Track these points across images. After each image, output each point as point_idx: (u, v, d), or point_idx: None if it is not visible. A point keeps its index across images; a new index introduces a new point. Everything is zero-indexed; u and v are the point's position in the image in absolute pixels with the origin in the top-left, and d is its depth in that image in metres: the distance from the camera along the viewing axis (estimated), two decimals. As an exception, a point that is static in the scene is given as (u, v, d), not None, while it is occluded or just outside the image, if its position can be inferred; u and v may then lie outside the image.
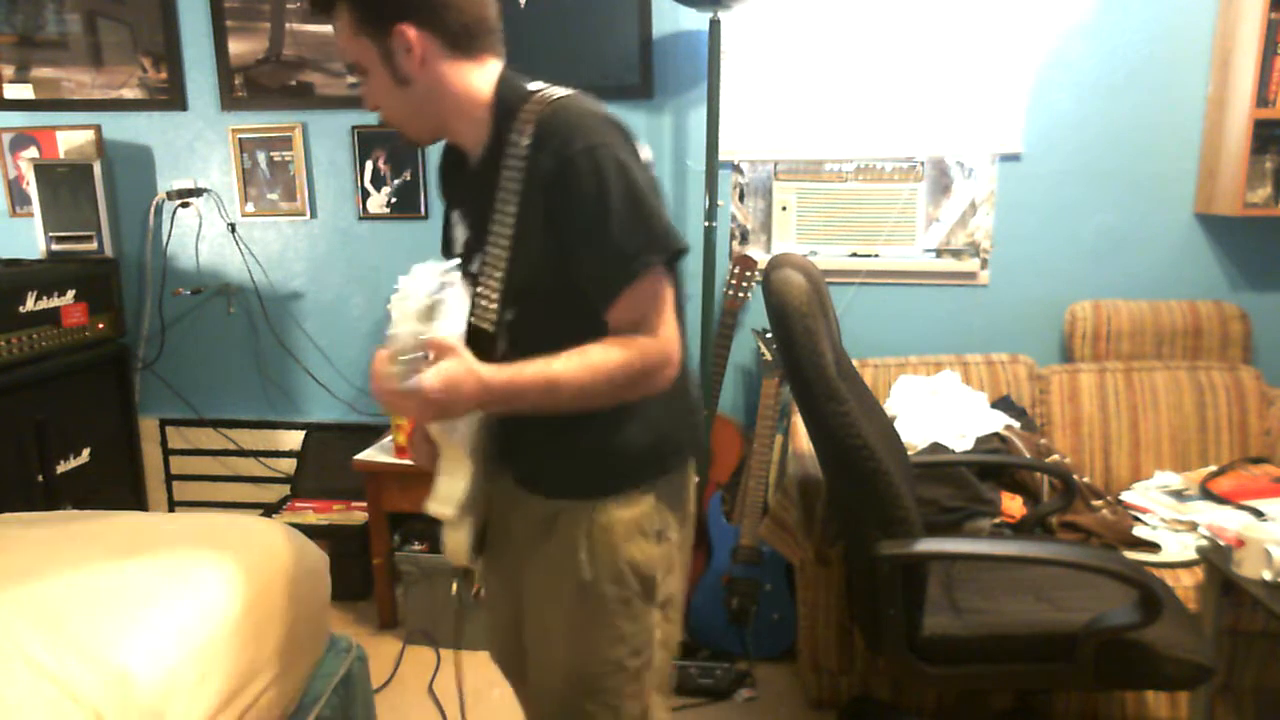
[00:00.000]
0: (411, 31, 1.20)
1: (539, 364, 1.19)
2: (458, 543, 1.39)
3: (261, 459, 3.43)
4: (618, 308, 1.22)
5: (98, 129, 3.30)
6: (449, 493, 1.34)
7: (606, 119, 1.22)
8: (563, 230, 1.20)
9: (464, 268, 1.33)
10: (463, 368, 1.15)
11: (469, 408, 1.19)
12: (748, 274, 2.82)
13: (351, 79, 3.13)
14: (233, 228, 3.30)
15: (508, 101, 1.25)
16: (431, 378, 1.14)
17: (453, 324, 1.23)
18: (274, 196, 3.28)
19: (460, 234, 1.38)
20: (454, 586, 2.67)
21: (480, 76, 1.26)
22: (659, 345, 1.23)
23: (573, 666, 1.37)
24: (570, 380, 1.19)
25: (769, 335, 2.84)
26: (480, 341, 1.28)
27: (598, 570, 1.33)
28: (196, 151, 3.29)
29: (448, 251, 1.51)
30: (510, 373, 1.18)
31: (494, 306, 1.28)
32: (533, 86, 1.27)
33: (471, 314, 1.30)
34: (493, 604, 1.60)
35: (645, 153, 1.26)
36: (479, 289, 1.29)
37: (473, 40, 1.24)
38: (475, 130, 1.28)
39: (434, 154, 3.13)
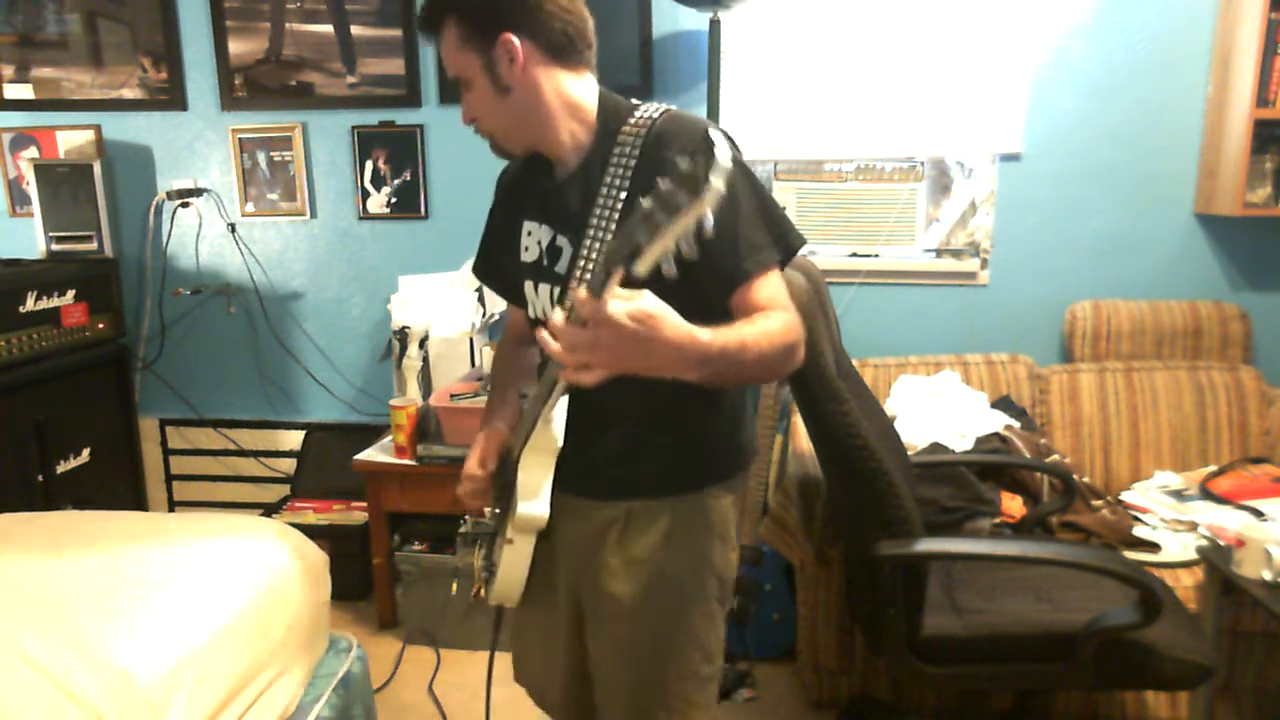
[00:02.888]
0: (515, 40, 1.23)
1: (727, 329, 1.13)
2: (517, 570, 1.35)
3: (261, 459, 3.43)
4: (749, 291, 1.22)
5: (98, 129, 3.30)
6: (538, 488, 1.30)
7: (720, 129, 1.25)
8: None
9: (541, 274, 1.35)
10: (664, 308, 1.03)
11: (665, 355, 1.04)
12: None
13: (346, 81, 3.13)
14: (233, 228, 3.30)
15: (615, 110, 1.30)
16: (628, 308, 1.00)
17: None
18: (274, 196, 3.28)
19: (536, 243, 1.36)
20: (454, 587, 2.67)
21: (579, 87, 1.30)
22: (796, 321, 1.22)
23: (647, 674, 1.36)
24: (755, 347, 1.14)
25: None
26: None
27: (680, 568, 1.34)
28: (196, 151, 3.29)
29: (486, 267, 1.55)
30: (715, 333, 1.09)
31: None
32: (635, 101, 1.32)
33: (561, 304, 1.26)
34: (529, 640, 1.56)
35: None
36: (570, 284, 1.26)
37: (573, 51, 1.28)
38: (575, 138, 1.30)
39: (434, 154, 3.16)
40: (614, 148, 1.25)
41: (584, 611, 1.41)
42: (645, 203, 0.93)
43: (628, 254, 0.95)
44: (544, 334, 1.05)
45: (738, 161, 1.19)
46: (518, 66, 1.25)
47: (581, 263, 1.25)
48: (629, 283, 0.98)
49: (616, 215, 1.23)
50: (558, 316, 1.03)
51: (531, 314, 1.42)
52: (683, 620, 1.35)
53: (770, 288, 1.23)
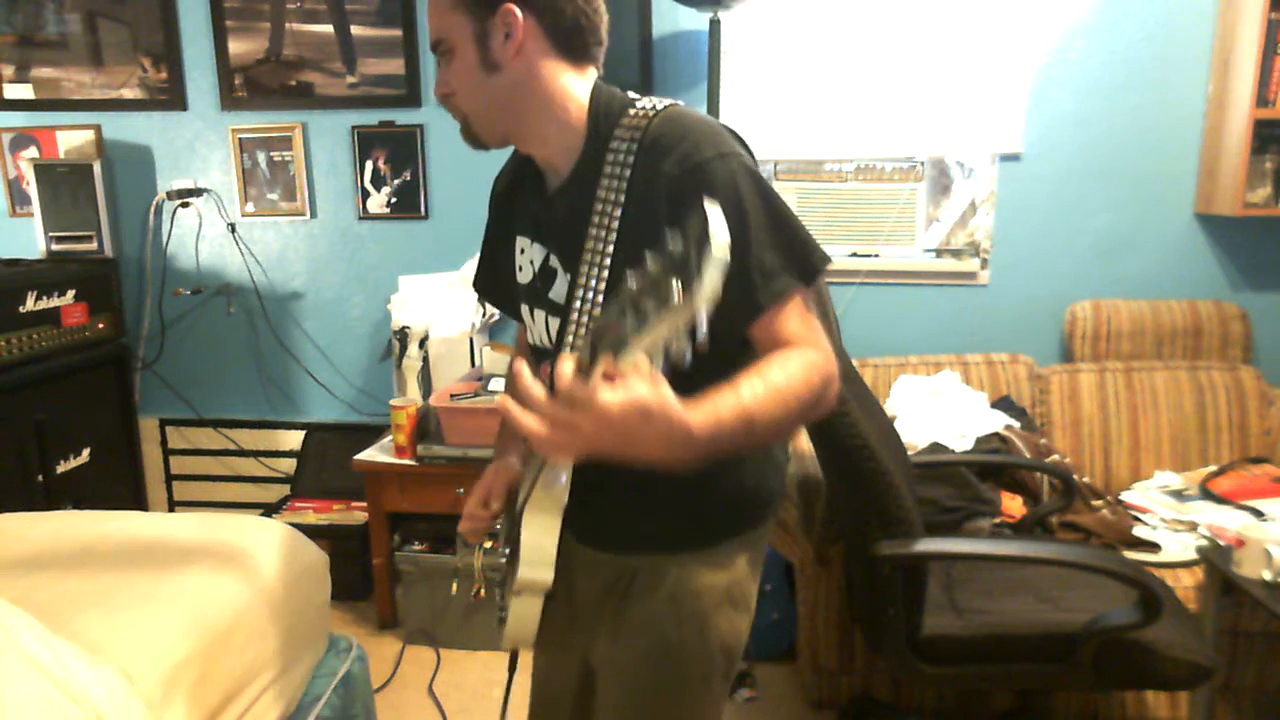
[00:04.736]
0: (519, 15, 1.09)
1: (728, 397, 0.97)
2: (527, 619, 1.22)
3: (261, 459, 3.43)
4: (762, 325, 1.07)
5: (98, 129, 3.30)
6: (541, 553, 1.17)
7: (729, 129, 1.12)
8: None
9: (536, 298, 1.22)
10: (656, 395, 0.89)
11: (650, 446, 0.91)
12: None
13: (346, 81, 3.13)
14: (233, 228, 3.30)
15: (608, 108, 1.14)
16: (615, 395, 0.88)
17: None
18: (274, 196, 3.28)
19: (529, 263, 1.23)
20: (454, 587, 2.67)
21: (578, 83, 1.15)
22: (824, 359, 1.06)
23: None
24: (764, 413, 0.98)
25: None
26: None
27: (682, 638, 1.20)
28: (196, 151, 3.29)
29: (487, 287, 1.41)
30: (710, 412, 0.95)
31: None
32: (632, 95, 1.17)
33: (561, 344, 1.15)
34: (543, 683, 1.44)
35: None
36: (570, 316, 1.13)
37: (581, 45, 1.14)
38: (563, 139, 1.15)
39: (434, 154, 3.17)
40: (607, 154, 1.11)
41: (590, 668, 1.32)
42: (632, 284, 0.83)
43: (613, 342, 0.86)
44: (513, 411, 0.91)
45: (750, 170, 1.08)
46: (513, 44, 1.10)
47: (580, 293, 1.12)
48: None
49: (613, 237, 1.10)
50: (537, 391, 0.90)
51: (530, 339, 1.28)
52: (680, 696, 1.23)
53: (790, 320, 1.07)
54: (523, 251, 1.25)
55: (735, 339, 1.07)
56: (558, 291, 1.18)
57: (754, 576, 1.26)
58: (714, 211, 0.81)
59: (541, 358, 1.24)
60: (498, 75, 1.11)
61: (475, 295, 2.99)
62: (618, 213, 1.10)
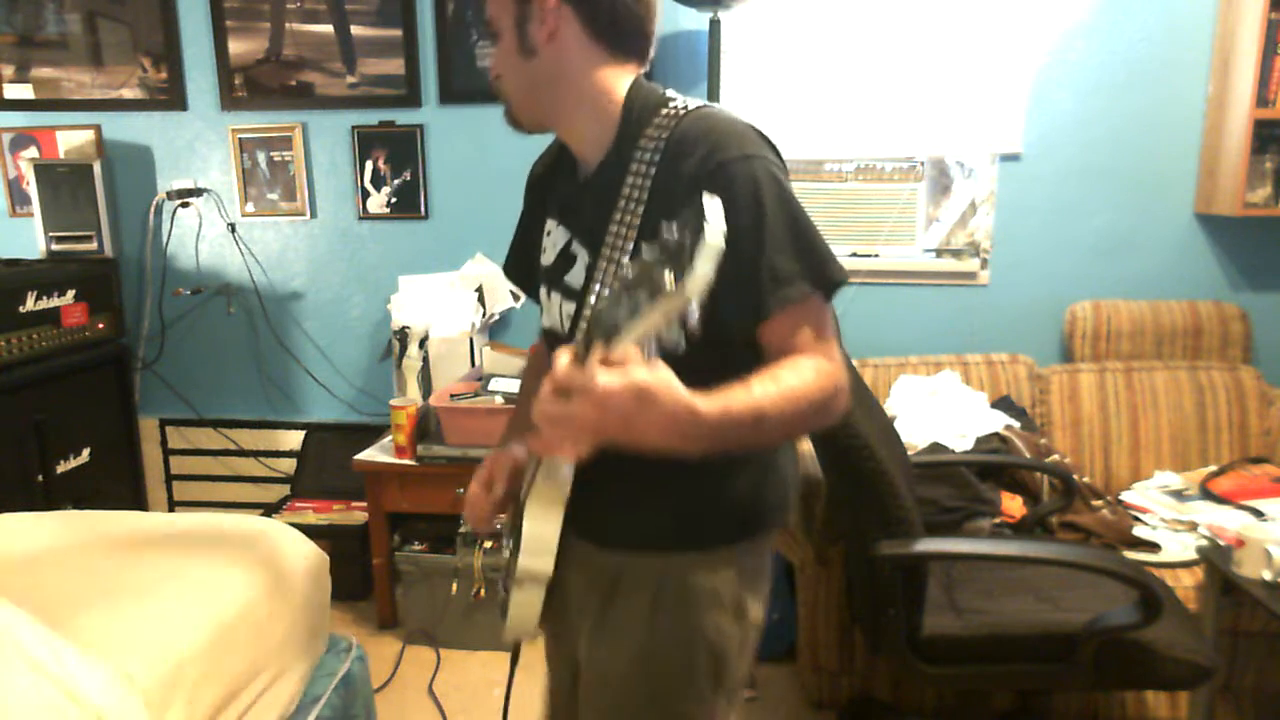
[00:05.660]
0: (555, 1, 1.10)
1: (739, 392, 0.97)
2: (528, 609, 1.20)
3: (261, 459, 3.43)
4: (775, 328, 1.06)
5: (98, 129, 3.30)
6: (542, 543, 1.16)
7: (760, 132, 1.11)
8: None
9: (554, 282, 1.23)
10: (660, 380, 0.89)
11: (655, 431, 0.91)
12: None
13: (346, 81, 3.13)
14: (233, 228, 3.30)
15: (642, 104, 1.13)
16: (614, 379, 0.87)
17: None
18: (274, 196, 3.28)
19: (553, 245, 1.24)
20: (454, 587, 2.67)
21: (615, 77, 1.14)
22: (835, 369, 1.05)
23: None
24: (774, 411, 0.98)
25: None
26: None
27: (665, 639, 1.17)
28: (196, 151, 3.29)
29: (516, 269, 1.41)
30: (720, 401, 0.94)
31: None
32: (669, 93, 1.16)
33: (574, 330, 1.15)
34: (551, 676, 1.43)
35: None
36: (585, 303, 1.14)
37: (621, 37, 1.13)
38: (596, 130, 1.15)
39: (434, 154, 3.16)
40: (635, 150, 1.11)
41: (578, 664, 1.29)
42: (627, 273, 0.85)
43: (608, 329, 0.87)
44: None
45: (773, 174, 1.06)
46: (547, 30, 1.10)
47: (595, 283, 1.13)
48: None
49: (634, 232, 1.09)
50: (545, 387, 0.91)
51: (546, 322, 1.28)
52: (667, 704, 1.19)
53: (801, 329, 1.05)
54: (549, 234, 1.26)
55: (744, 342, 1.06)
56: (575, 277, 1.18)
57: (752, 586, 1.22)
58: (711, 203, 0.81)
59: (555, 343, 1.23)
60: (534, 60, 1.12)
61: (474, 285, 3.02)
62: (640, 210, 1.09)
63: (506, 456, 1.30)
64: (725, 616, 1.19)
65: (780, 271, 1.04)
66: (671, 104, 1.13)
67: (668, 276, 0.81)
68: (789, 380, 1.01)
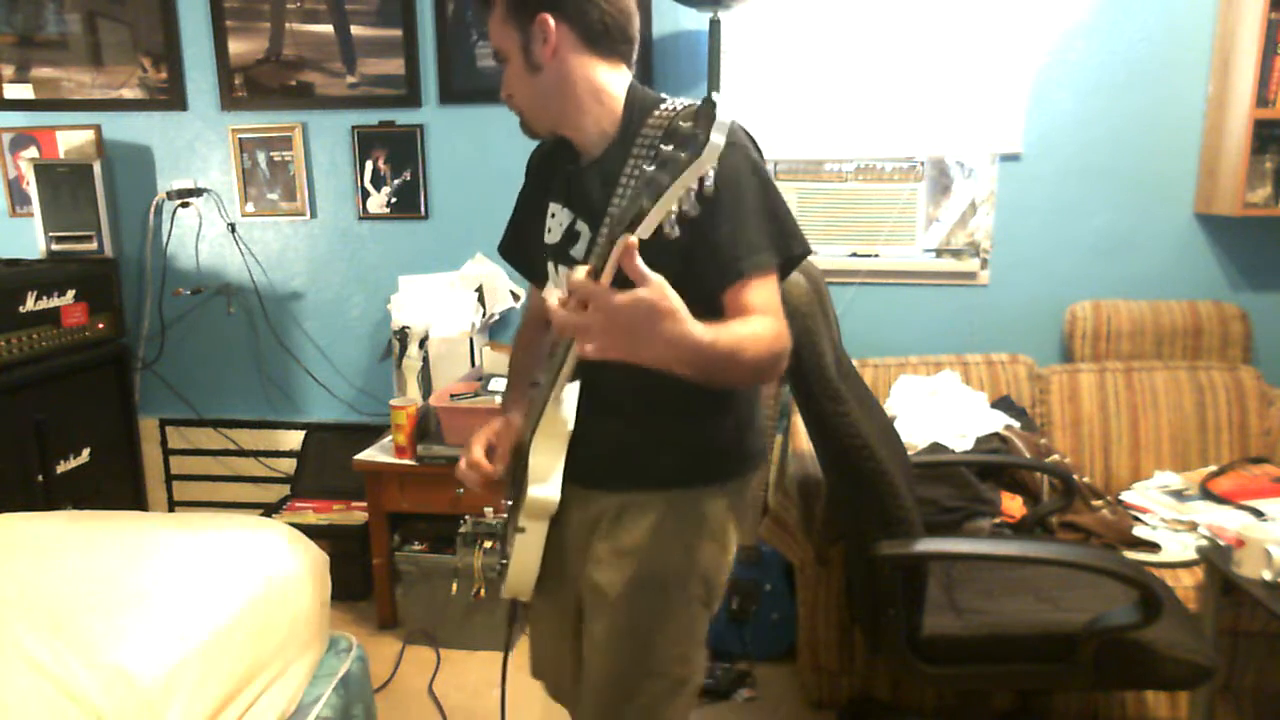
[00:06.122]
0: (551, 21, 1.26)
1: (724, 329, 1.11)
2: (529, 562, 1.34)
3: (261, 459, 3.43)
4: (741, 291, 1.21)
5: (98, 129, 3.30)
6: (550, 474, 1.30)
7: (743, 128, 1.28)
8: (691, 221, 1.13)
9: (560, 255, 1.37)
10: (664, 298, 0.99)
11: (658, 347, 1.02)
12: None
13: (346, 81, 3.13)
14: (233, 228, 3.30)
15: (642, 105, 1.31)
16: (627, 295, 0.99)
17: None
18: (274, 196, 3.28)
19: (559, 225, 1.38)
20: (454, 587, 2.67)
21: (611, 76, 1.32)
22: (785, 334, 1.21)
23: (619, 667, 1.36)
24: (749, 349, 1.13)
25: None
26: None
27: (666, 564, 1.34)
28: (196, 151, 3.29)
29: (512, 247, 1.56)
30: (710, 331, 1.06)
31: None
32: (664, 95, 1.34)
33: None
34: (542, 632, 1.57)
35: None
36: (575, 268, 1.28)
37: (609, 43, 1.30)
38: (599, 127, 1.32)
39: (434, 154, 3.17)
40: (636, 140, 1.27)
41: (582, 601, 1.42)
42: (648, 168, 0.96)
43: (631, 219, 0.97)
44: (551, 305, 1.04)
45: (752, 161, 1.23)
46: (549, 48, 1.27)
47: (597, 250, 1.24)
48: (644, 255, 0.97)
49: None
50: (555, 297, 1.03)
51: (550, 296, 1.42)
52: (662, 617, 1.36)
53: (765, 292, 1.22)
54: (553, 215, 1.40)
55: (709, 303, 1.17)
56: (579, 250, 1.34)
57: (734, 521, 1.40)
58: (720, 98, 0.96)
59: None
60: (540, 75, 1.30)
61: (474, 286, 3.02)
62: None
63: (504, 425, 1.45)
64: (715, 544, 1.38)
65: (754, 242, 1.22)
66: (669, 103, 1.31)
67: (685, 153, 0.93)
68: (756, 327, 1.17)
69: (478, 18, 3.04)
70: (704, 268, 1.20)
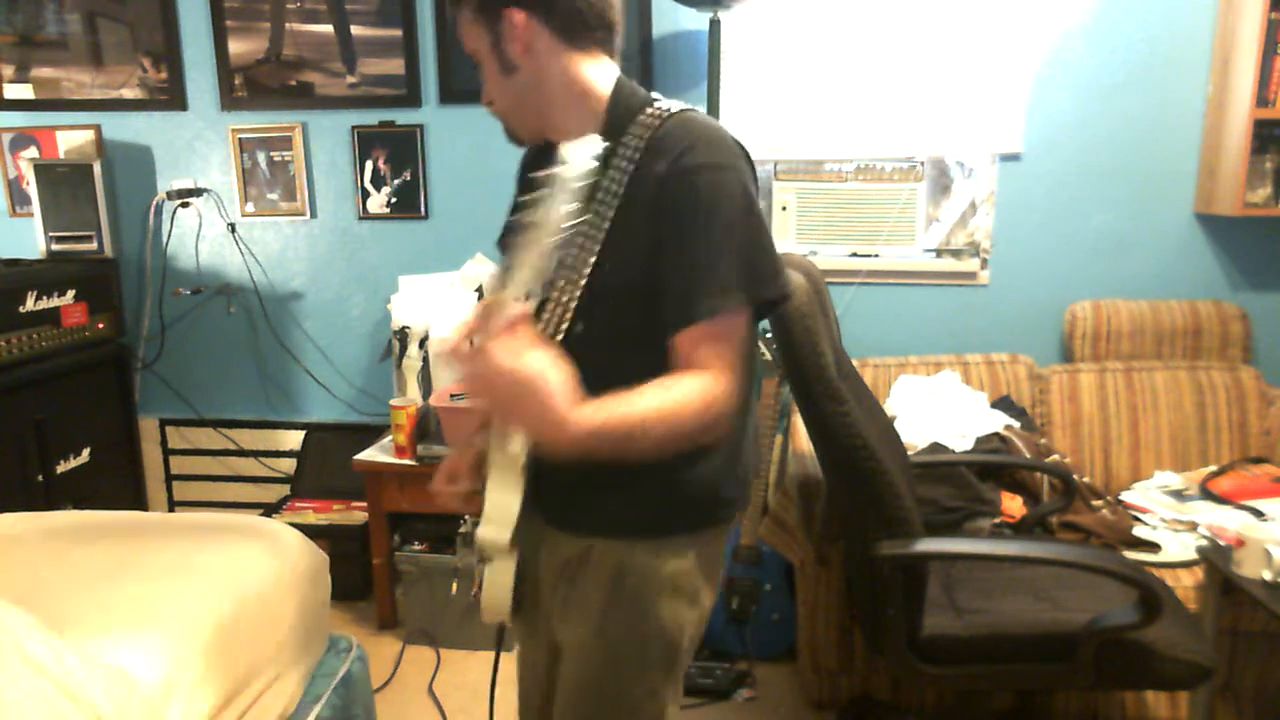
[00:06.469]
0: (519, 16, 1.15)
1: (623, 404, 1.03)
2: (500, 588, 1.23)
3: (261, 459, 3.43)
4: (692, 337, 1.09)
5: (98, 129, 3.30)
6: (503, 513, 1.18)
7: (737, 144, 1.16)
8: (662, 243, 1.10)
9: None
10: (541, 376, 0.95)
11: (530, 422, 0.99)
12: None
13: (346, 81, 3.13)
14: (233, 228, 3.30)
15: (627, 103, 1.19)
16: (506, 362, 0.94)
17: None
18: (274, 196, 3.28)
19: None
20: (454, 587, 2.67)
21: (593, 70, 1.20)
22: (726, 395, 1.09)
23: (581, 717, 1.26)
24: (655, 428, 1.04)
25: (769, 335, 2.84)
26: None
27: (620, 625, 1.21)
28: (196, 151, 3.29)
29: (504, 248, 1.44)
30: (596, 411, 1.00)
31: (568, 315, 1.16)
32: (654, 95, 1.22)
33: (539, 321, 1.18)
34: (522, 657, 1.47)
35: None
36: (554, 293, 1.17)
37: (585, 31, 1.18)
38: (583, 128, 1.18)
39: (434, 154, 3.17)
40: (618, 148, 1.15)
41: (557, 648, 1.33)
42: (519, 235, 0.92)
43: (503, 279, 0.93)
44: (458, 333, 1.02)
45: (741, 186, 1.11)
46: (520, 45, 1.16)
47: (566, 272, 1.17)
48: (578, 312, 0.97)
49: (606, 225, 1.14)
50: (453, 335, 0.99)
51: None
52: (617, 684, 1.23)
53: (716, 343, 1.09)
54: None
55: (663, 339, 1.10)
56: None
57: (705, 575, 1.26)
58: (571, 147, 0.91)
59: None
60: (516, 75, 1.19)
61: (474, 286, 3.02)
62: (616, 203, 1.14)
63: (466, 451, 1.35)
64: (680, 603, 1.23)
65: (717, 282, 1.08)
66: (656, 105, 1.18)
67: (534, 212, 0.89)
68: (679, 395, 1.06)
69: (451, 22, 3.01)
70: (665, 303, 1.09)
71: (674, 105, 1.18)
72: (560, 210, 0.96)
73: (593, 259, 1.14)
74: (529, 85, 1.19)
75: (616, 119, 1.18)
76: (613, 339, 1.16)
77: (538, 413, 0.96)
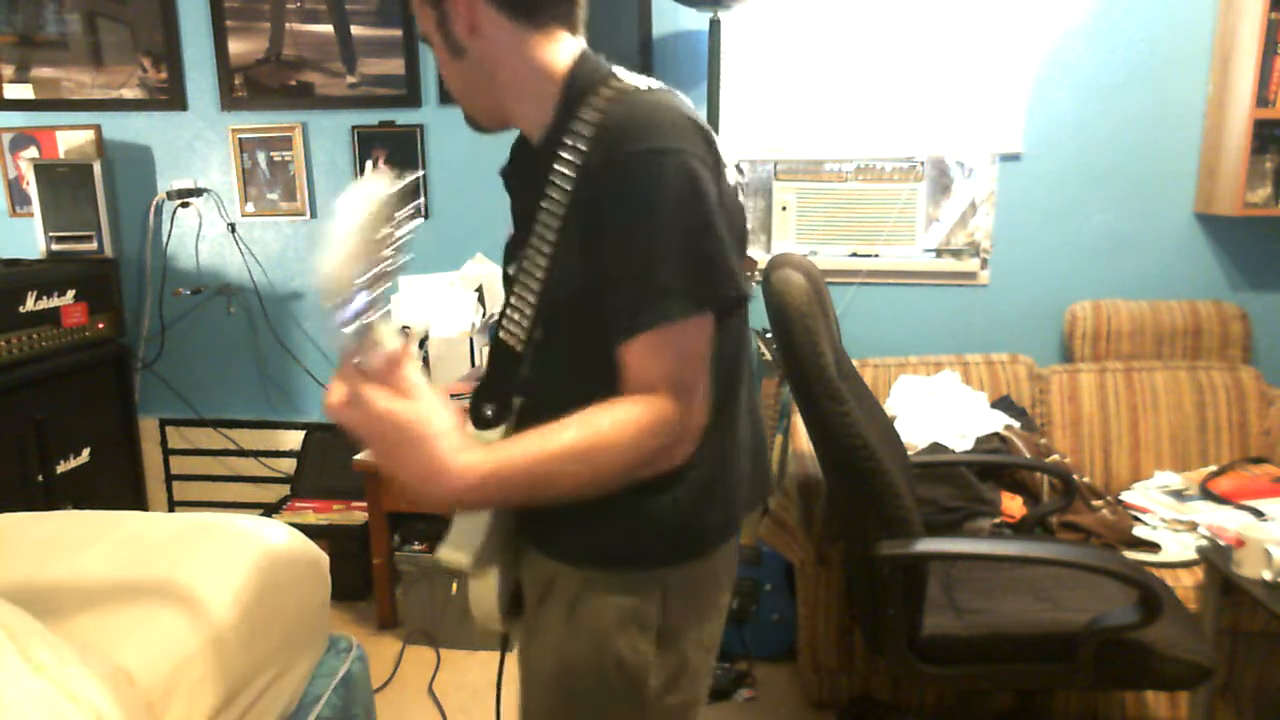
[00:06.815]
0: None
1: (524, 446, 0.94)
2: (485, 599, 1.17)
3: (261, 459, 3.43)
4: (636, 350, 0.97)
5: (98, 129, 3.30)
6: (465, 536, 1.11)
7: (690, 121, 1.00)
8: (605, 243, 0.98)
9: (505, 278, 1.17)
10: (420, 428, 0.88)
11: (408, 473, 0.90)
12: (747, 274, 2.82)
13: (346, 81, 3.13)
14: (233, 228, 3.30)
15: (581, 82, 1.04)
16: (385, 406, 0.87)
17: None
18: (274, 196, 3.28)
19: (508, 232, 1.19)
20: (454, 587, 2.67)
21: (548, 50, 1.07)
22: (674, 417, 0.97)
23: None
24: (576, 471, 0.94)
25: (769, 335, 2.84)
26: (505, 362, 1.09)
27: (576, 652, 1.11)
28: (196, 151, 3.29)
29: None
30: (490, 460, 0.92)
31: (525, 322, 1.07)
32: (618, 70, 1.07)
33: (499, 327, 1.11)
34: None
35: (731, 174, 1.06)
36: (512, 299, 1.09)
37: (538, 8, 1.06)
38: (538, 112, 1.07)
39: (434, 154, 3.16)
40: (567, 134, 1.02)
41: None
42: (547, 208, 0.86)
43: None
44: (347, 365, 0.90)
45: (689, 175, 0.96)
46: (465, 25, 1.05)
47: (523, 275, 1.07)
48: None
49: (557, 222, 1.03)
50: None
51: None
52: (577, 712, 1.14)
53: (660, 356, 0.96)
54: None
55: (610, 350, 0.99)
56: (514, 268, 1.12)
57: (688, 611, 1.12)
58: (343, 198, 0.83)
59: None
60: (465, 58, 1.08)
61: (474, 285, 3.02)
62: (566, 198, 1.02)
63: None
64: (645, 640, 1.09)
65: (663, 285, 0.95)
66: (612, 84, 1.03)
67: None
68: (612, 424, 0.94)
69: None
70: (612, 317, 0.96)
71: (629, 84, 1.03)
72: (342, 263, 0.86)
73: (544, 262, 1.04)
74: (478, 67, 1.08)
75: (570, 100, 1.04)
76: (574, 346, 1.05)
77: (414, 459, 0.88)
